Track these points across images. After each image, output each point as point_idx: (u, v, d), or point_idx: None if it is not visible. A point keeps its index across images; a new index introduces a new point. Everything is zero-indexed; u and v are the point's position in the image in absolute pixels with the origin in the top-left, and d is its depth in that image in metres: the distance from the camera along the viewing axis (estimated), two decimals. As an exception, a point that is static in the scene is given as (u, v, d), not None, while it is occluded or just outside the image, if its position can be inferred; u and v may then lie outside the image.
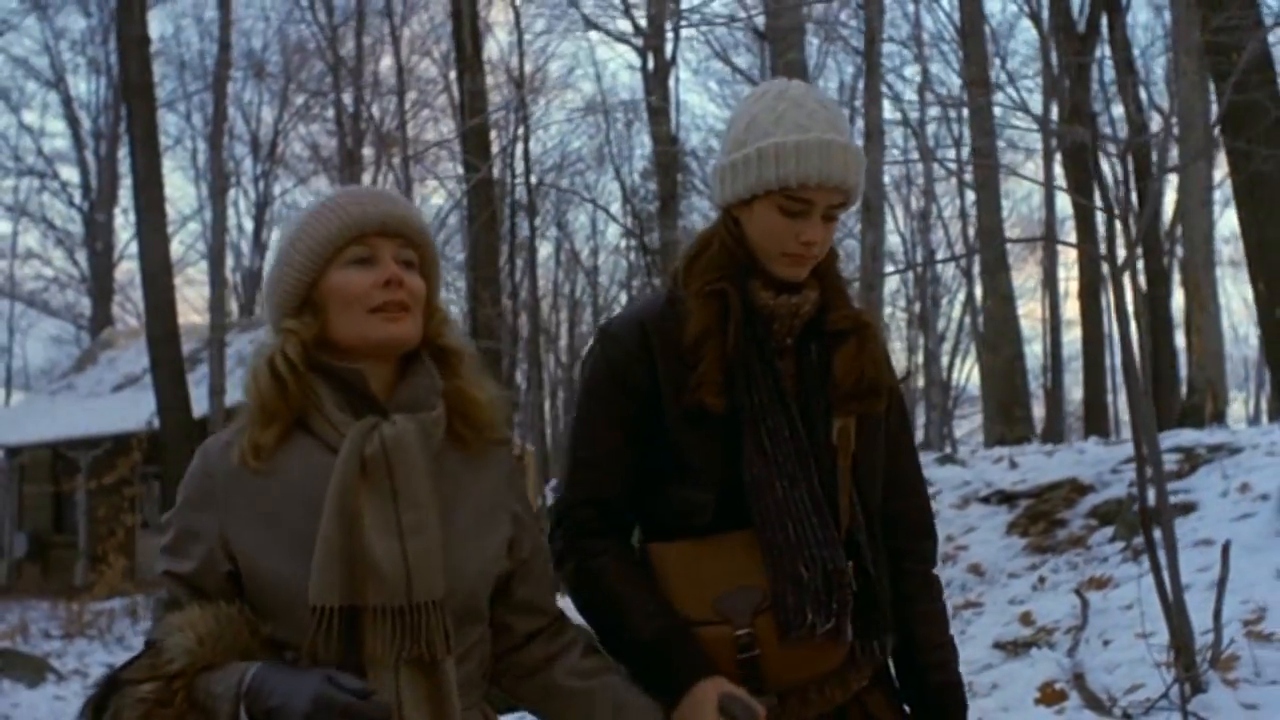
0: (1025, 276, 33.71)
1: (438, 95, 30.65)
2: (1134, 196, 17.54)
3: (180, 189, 55.82)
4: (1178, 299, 21.39)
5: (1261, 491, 8.45)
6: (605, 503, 2.19)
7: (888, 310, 28.17)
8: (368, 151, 29.71)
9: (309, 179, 35.83)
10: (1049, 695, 5.92)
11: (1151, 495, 5.54)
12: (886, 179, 24.59)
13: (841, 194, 2.16)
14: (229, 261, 32.04)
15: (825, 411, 2.17)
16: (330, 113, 31.52)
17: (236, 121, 33.43)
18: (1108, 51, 17.42)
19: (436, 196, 35.36)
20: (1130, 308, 5.22)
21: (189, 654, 1.78)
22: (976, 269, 24.21)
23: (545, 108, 30.62)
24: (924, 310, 27.91)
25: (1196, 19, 7.91)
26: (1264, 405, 35.21)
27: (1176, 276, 23.56)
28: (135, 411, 20.93)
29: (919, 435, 21.57)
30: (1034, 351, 32.09)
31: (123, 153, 30.07)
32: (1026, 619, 7.60)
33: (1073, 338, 26.14)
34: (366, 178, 28.89)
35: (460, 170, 21.14)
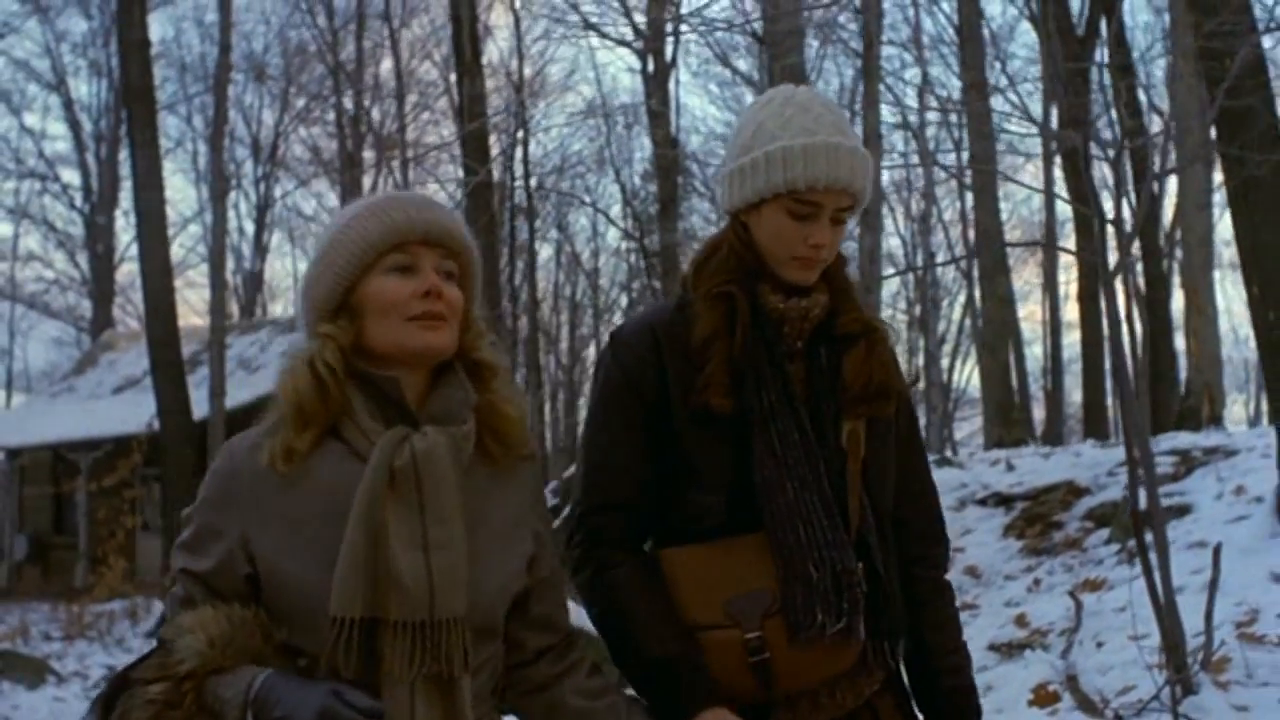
0: (1026, 278, 33.74)
1: (438, 98, 30.70)
2: (1132, 200, 17.60)
3: (181, 191, 55.96)
4: (1178, 301, 21.40)
5: (1256, 494, 8.48)
6: (622, 508, 2.19)
7: (887, 312, 28.15)
8: (368, 154, 29.74)
9: (310, 181, 35.89)
10: (1042, 697, 5.94)
11: (1144, 498, 5.57)
12: (886, 182, 24.64)
13: (849, 197, 2.17)
14: (229, 264, 32.08)
15: (835, 414, 2.18)
16: (331, 116, 31.56)
17: (237, 124, 33.50)
18: (1107, 54, 17.47)
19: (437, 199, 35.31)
20: (1122, 312, 5.24)
21: (199, 656, 1.76)
22: (976, 271, 24.22)
23: (545, 111, 30.67)
24: (924, 313, 27.92)
25: (1192, 22, 7.94)
26: (1264, 407, 35.17)
27: (1177, 279, 23.59)
28: (135, 413, 20.94)
29: (918, 437, 21.49)
30: (1034, 354, 32.16)
31: (124, 155, 30.10)
32: (1021, 621, 7.63)
33: (1073, 340, 26.14)
34: (367, 180, 28.93)
35: (460, 173, 21.18)
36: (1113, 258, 5.52)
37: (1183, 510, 8.98)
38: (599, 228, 33.41)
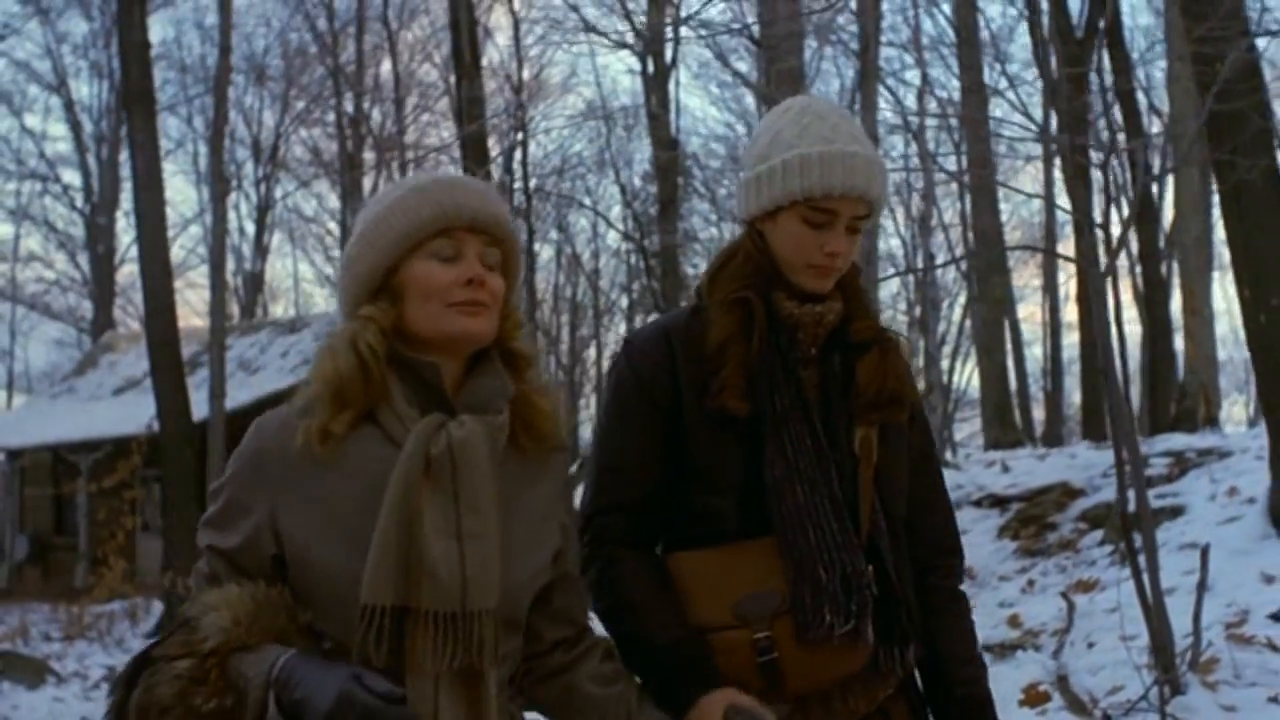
0: (1027, 279, 33.73)
1: (438, 99, 30.72)
2: (1127, 202, 17.65)
3: (181, 192, 55.94)
4: (1178, 303, 21.41)
5: (1249, 496, 8.53)
6: (630, 510, 2.20)
7: (887, 314, 28.18)
8: (369, 156, 29.78)
9: (310, 183, 35.90)
10: (1033, 697, 5.99)
11: (1133, 500, 5.61)
12: (884, 183, 24.47)
13: (865, 205, 2.17)
14: (230, 265, 32.08)
15: (847, 420, 2.19)
16: (331, 117, 31.60)
17: (238, 125, 33.47)
18: (1106, 58, 17.48)
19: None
20: (1111, 315, 5.28)
21: (224, 633, 1.74)
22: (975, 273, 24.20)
23: (545, 112, 30.69)
24: (924, 314, 27.93)
25: (1185, 27, 7.97)
26: (1263, 408, 35.04)
27: (1177, 281, 23.61)
28: (135, 415, 20.96)
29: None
30: (1034, 355, 32.14)
31: (124, 156, 30.13)
32: (1014, 621, 7.68)
33: (1072, 341, 26.15)
34: (367, 182, 28.95)
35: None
36: (1104, 260, 5.55)
37: (1176, 511, 9.04)
38: (599, 229, 33.42)
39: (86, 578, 21.16)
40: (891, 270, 24.60)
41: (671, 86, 25.47)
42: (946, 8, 20.38)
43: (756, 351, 2.15)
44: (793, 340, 2.19)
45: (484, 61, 22.42)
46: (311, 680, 1.68)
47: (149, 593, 17.70)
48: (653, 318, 2.39)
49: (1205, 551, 5.79)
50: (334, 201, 33.92)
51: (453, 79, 22.43)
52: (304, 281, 60.09)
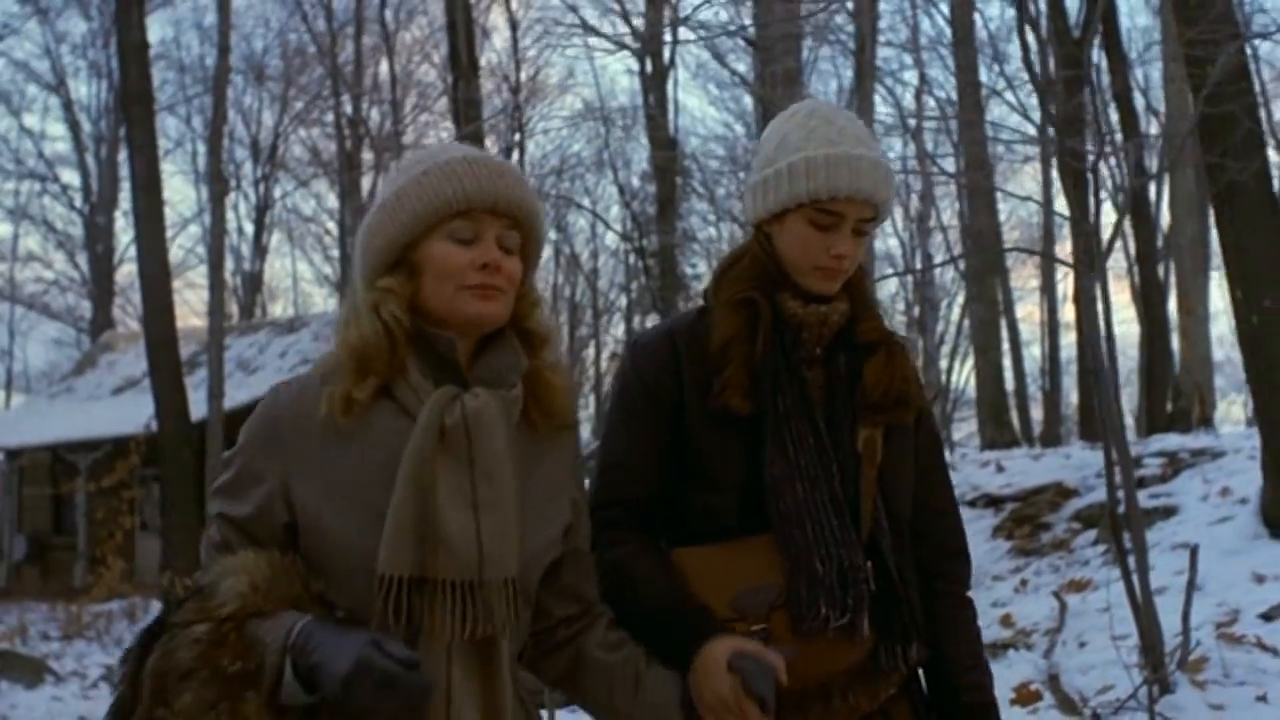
0: (1025, 279, 33.76)
1: (437, 99, 30.73)
2: (1121, 203, 17.67)
3: (181, 192, 55.90)
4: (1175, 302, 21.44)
5: (1241, 496, 8.58)
6: (633, 502, 2.22)
7: (884, 314, 28.14)
8: (368, 156, 29.80)
9: (309, 182, 35.92)
10: (1024, 696, 6.02)
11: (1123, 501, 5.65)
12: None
13: (871, 208, 2.19)
14: (229, 265, 32.12)
15: (851, 420, 2.19)
16: (330, 117, 31.61)
17: (237, 125, 33.49)
18: (1101, 59, 17.49)
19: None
20: (1100, 316, 5.31)
21: (241, 598, 1.73)
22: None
23: (543, 112, 30.71)
24: (922, 315, 27.99)
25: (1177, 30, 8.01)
26: (1261, 409, 35.04)
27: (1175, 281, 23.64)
28: (134, 414, 20.98)
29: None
30: (1033, 355, 32.19)
31: (123, 156, 30.08)
32: (1007, 621, 7.71)
33: (1071, 341, 26.18)
34: (366, 182, 28.97)
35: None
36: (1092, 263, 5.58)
37: (1169, 511, 9.08)
38: (598, 229, 33.44)
39: (85, 577, 21.20)
40: (889, 270, 24.60)
41: (670, 86, 25.52)
42: (945, 7, 20.42)
43: (760, 351, 2.16)
44: (797, 340, 2.20)
45: (482, 62, 22.46)
46: (329, 645, 1.68)
47: (147, 592, 17.73)
48: (651, 318, 2.40)
49: (1194, 552, 5.82)
50: (333, 201, 33.96)
51: (451, 79, 22.46)
52: (303, 281, 60.30)
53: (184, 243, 36.62)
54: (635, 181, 28.51)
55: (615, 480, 2.24)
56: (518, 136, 23.74)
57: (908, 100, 24.25)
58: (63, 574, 23.18)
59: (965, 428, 35.13)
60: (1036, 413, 27.82)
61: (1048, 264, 27.15)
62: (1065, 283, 28.13)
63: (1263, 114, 20.89)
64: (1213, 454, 10.25)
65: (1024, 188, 33.69)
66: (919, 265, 24.03)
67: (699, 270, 25.38)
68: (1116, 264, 28.20)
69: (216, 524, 1.89)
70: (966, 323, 28.43)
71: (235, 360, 24.02)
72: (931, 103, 20.08)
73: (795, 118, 2.26)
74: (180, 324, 18.89)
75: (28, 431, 25.05)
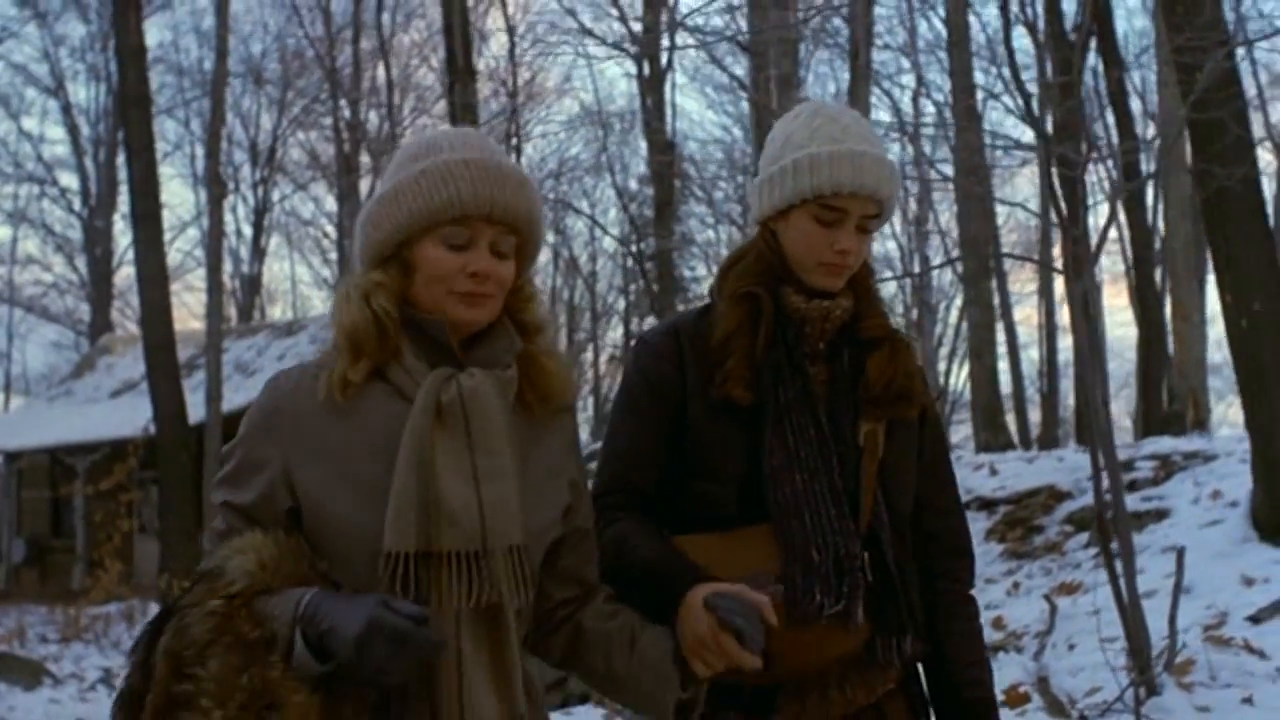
0: (1024, 283, 33.81)
1: (435, 102, 30.78)
2: (1116, 208, 17.70)
3: (179, 195, 55.87)
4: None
5: (1232, 499, 8.62)
6: (635, 490, 2.24)
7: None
8: (366, 159, 29.83)
9: (307, 185, 35.95)
10: (1013, 698, 6.05)
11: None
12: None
13: (875, 204, 2.21)
14: (228, 267, 32.14)
15: (853, 414, 2.21)
16: (328, 120, 31.66)
17: (235, 128, 33.49)
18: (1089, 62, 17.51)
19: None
20: (1082, 322, 5.36)
21: (250, 576, 1.76)
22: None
23: (541, 117, 30.74)
24: (920, 318, 28.05)
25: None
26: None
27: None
28: (133, 417, 21.02)
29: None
30: (1031, 357, 32.23)
31: (121, 159, 30.13)
32: (998, 623, 7.74)
33: (1068, 344, 26.24)
34: (364, 185, 28.99)
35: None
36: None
37: (1161, 514, 9.13)
38: (596, 232, 33.51)
39: (83, 580, 21.23)
40: (887, 274, 24.65)
41: (667, 89, 25.57)
42: (942, 10, 20.45)
43: (763, 344, 2.19)
44: (800, 335, 2.22)
45: (480, 66, 22.49)
46: (339, 611, 1.71)
47: (146, 595, 17.76)
48: (649, 321, 2.43)
49: (1180, 554, 5.87)
50: (331, 204, 34.00)
51: (448, 83, 22.50)
52: (301, 284, 60.21)
53: (182, 246, 36.70)
54: (633, 185, 28.58)
55: (618, 471, 2.27)
56: (515, 141, 23.75)
57: (906, 103, 24.37)
58: (61, 576, 23.21)
59: (963, 430, 35.19)
60: (1034, 415, 27.89)
61: (1044, 267, 27.21)
62: (1063, 286, 28.20)
63: (1261, 117, 20.98)
64: (1205, 457, 10.30)
65: (1022, 191, 33.82)
66: (917, 269, 24.07)
67: (697, 273, 25.47)
68: (1115, 267, 28.32)
69: (220, 513, 1.91)
70: (964, 325, 28.53)
71: (233, 363, 24.04)
72: (929, 106, 20.15)
73: (800, 117, 2.29)
74: (179, 327, 18.93)
75: (26, 434, 25.08)
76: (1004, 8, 6.37)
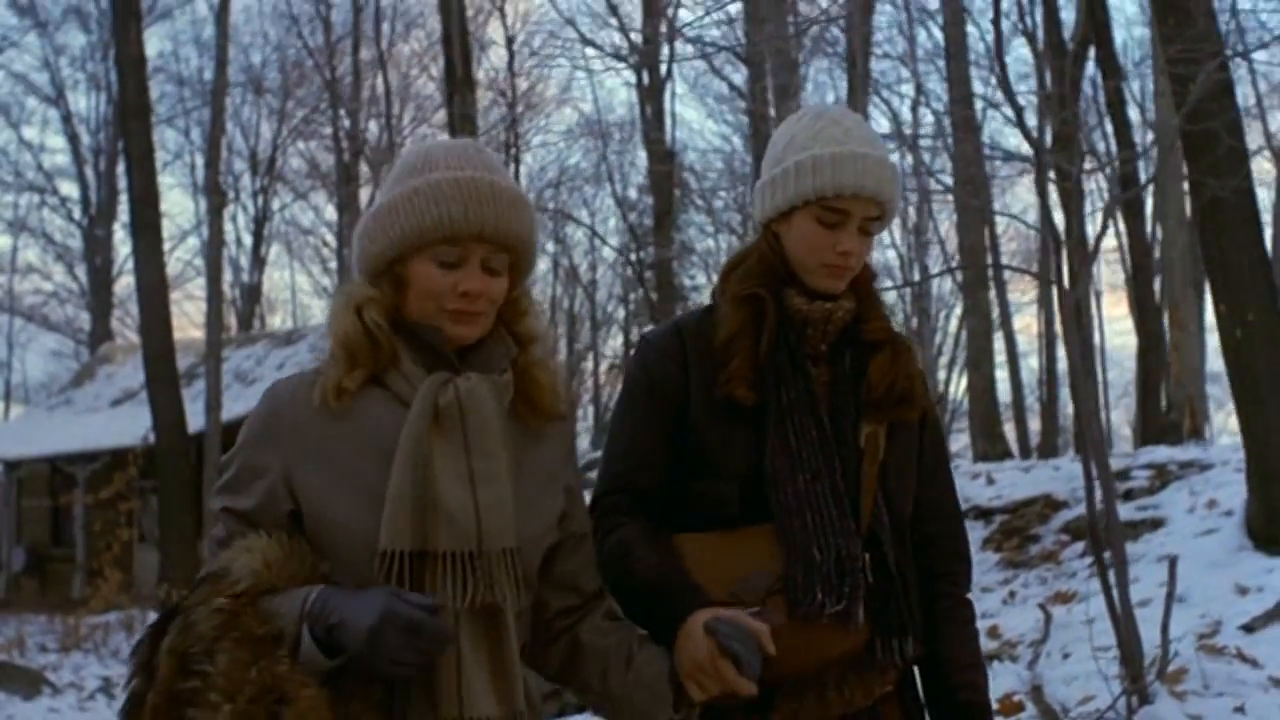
0: (1024, 291, 33.83)
1: (435, 112, 30.84)
2: (1117, 219, 17.77)
3: (179, 204, 55.87)
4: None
5: (1227, 508, 8.64)
6: (637, 490, 2.25)
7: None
8: (365, 169, 29.88)
9: (307, 195, 36.01)
10: (1007, 707, 6.07)
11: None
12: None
13: (877, 206, 2.23)
14: (227, 276, 32.15)
15: (855, 416, 2.23)
16: (328, 130, 31.72)
17: (235, 137, 33.57)
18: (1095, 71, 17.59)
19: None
20: (1072, 333, 5.39)
21: (254, 575, 1.78)
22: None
23: (540, 126, 30.81)
24: (919, 326, 28.07)
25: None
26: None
27: (1169, 294, 23.68)
28: (132, 426, 21.04)
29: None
30: (1030, 366, 32.26)
31: (122, 168, 30.17)
32: (994, 632, 7.75)
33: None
34: (364, 194, 29.04)
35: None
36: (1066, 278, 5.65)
37: (1156, 524, 9.14)
38: (596, 241, 33.55)
39: (83, 589, 21.20)
40: (887, 283, 24.67)
41: (667, 99, 25.63)
42: (941, 19, 20.50)
43: (765, 346, 2.20)
44: (802, 336, 2.24)
45: (480, 75, 22.55)
46: (348, 605, 1.74)
47: (145, 604, 17.72)
48: (648, 329, 2.46)
49: (1173, 564, 5.89)
50: (331, 213, 34.06)
51: (447, 93, 22.55)
52: (301, 293, 60.23)
53: (182, 255, 36.51)
54: (633, 194, 28.65)
55: (619, 470, 2.28)
56: (514, 150, 23.80)
57: (905, 112, 24.39)
58: (61, 586, 23.19)
59: (961, 439, 35.19)
60: (1034, 424, 27.89)
61: (1037, 278, 27.22)
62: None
63: (1260, 127, 20.97)
64: (1200, 466, 10.32)
65: (1022, 199, 33.84)
66: (916, 277, 24.11)
67: (697, 282, 25.55)
68: (1115, 276, 28.33)
69: (221, 519, 1.93)
70: (964, 334, 28.54)
71: (233, 372, 24.04)
72: (928, 115, 20.14)
73: (803, 120, 2.31)
74: (178, 336, 18.97)
75: (26, 443, 25.09)
76: (995, 22, 6.38)
